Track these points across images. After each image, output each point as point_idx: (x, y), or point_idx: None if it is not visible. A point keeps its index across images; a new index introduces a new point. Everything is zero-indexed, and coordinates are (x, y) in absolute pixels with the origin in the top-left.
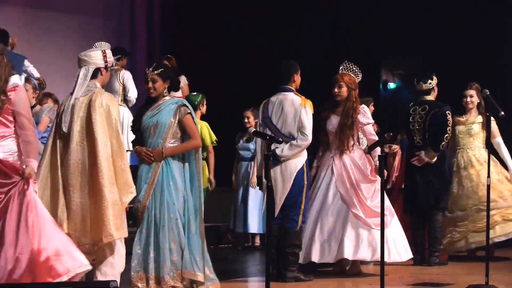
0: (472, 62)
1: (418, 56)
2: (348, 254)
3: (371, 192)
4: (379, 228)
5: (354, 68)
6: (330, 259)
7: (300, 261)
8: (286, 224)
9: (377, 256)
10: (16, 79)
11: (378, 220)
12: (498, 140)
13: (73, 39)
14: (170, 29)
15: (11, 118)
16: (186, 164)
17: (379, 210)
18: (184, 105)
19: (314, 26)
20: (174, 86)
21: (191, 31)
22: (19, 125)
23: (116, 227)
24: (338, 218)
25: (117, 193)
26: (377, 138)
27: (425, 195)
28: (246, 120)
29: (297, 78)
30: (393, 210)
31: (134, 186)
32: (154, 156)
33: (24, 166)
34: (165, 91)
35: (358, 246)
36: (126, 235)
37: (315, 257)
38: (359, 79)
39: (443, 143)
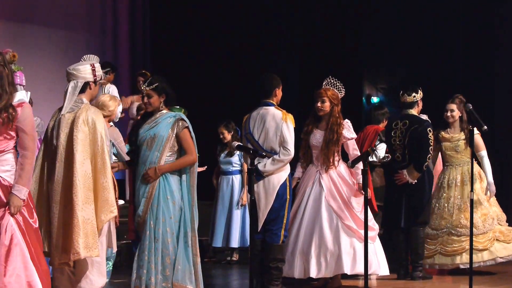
0: (458, 75)
1: (401, 70)
2: (347, 269)
3: (361, 205)
4: (371, 241)
5: (337, 84)
6: (327, 274)
7: (295, 275)
8: (267, 239)
9: (373, 270)
10: (22, 95)
11: (370, 233)
12: (483, 153)
13: (56, 53)
14: (152, 43)
15: (13, 134)
16: (184, 177)
17: (370, 223)
18: (182, 119)
19: (295, 39)
20: (170, 99)
21: (174, 44)
22: (20, 144)
23: (84, 246)
24: (331, 232)
25: (93, 211)
26: (359, 153)
27: (405, 212)
28: (222, 136)
29: (279, 93)
30: (376, 224)
31: (115, 206)
32: (150, 175)
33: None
34: (161, 105)
35: (355, 261)
36: (97, 254)
37: (313, 273)
38: (342, 95)
39: (426, 164)
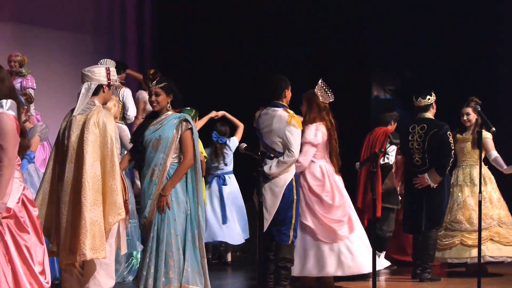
0: (465, 77)
1: (409, 72)
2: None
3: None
4: (340, 240)
5: (325, 89)
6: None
7: (314, 274)
8: (277, 239)
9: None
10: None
11: (341, 231)
12: (494, 153)
13: (64, 55)
14: (160, 45)
15: None
16: (189, 178)
17: (344, 218)
18: (186, 120)
19: (303, 39)
20: (177, 101)
21: (182, 46)
22: None
23: (91, 247)
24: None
25: (101, 213)
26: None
27: (426, 215)
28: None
29: (288, 94)
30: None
31: (123, 209)
32: (164, 201)
33: None
34: (168, 105)
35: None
36: (104, 256)
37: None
38: (331, 100)
39: (449, 168)
